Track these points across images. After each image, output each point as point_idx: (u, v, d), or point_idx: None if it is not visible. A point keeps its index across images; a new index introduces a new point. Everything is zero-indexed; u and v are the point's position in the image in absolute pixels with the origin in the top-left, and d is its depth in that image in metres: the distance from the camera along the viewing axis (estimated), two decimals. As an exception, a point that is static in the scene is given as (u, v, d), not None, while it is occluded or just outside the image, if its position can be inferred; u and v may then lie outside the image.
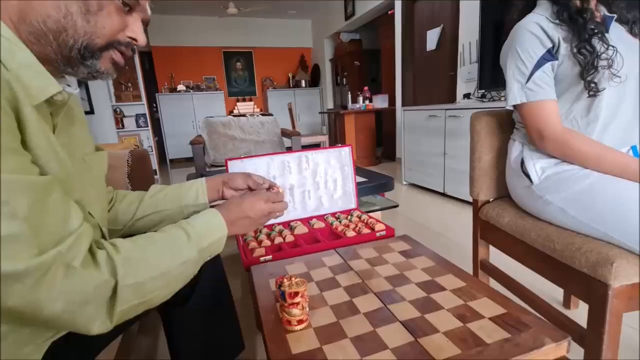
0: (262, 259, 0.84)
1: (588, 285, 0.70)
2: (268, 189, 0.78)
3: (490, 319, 0.55)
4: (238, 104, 6.23)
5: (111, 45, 0.50)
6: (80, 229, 0.42)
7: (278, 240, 0.95)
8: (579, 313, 1.17)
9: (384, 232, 0.95)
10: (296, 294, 0.55)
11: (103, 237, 0.60)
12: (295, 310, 0.55)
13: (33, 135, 0.40)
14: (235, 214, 0.65)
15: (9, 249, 0.34)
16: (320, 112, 6.53)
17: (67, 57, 0.47)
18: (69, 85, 0.53)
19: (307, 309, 0.57)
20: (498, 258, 1.05)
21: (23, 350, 0.46)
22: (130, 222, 0.74)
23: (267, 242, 0.94)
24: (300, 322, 0.55)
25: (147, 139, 4.71)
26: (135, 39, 0.52)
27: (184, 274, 0.54)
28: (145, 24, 0.55)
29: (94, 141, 0.67)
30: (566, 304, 1.21)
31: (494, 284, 0.96)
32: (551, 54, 0.81)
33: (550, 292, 1.27)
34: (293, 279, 0.57)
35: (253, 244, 0.93)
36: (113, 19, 0.48)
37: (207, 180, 0.78)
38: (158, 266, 0.49)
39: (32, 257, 0.36)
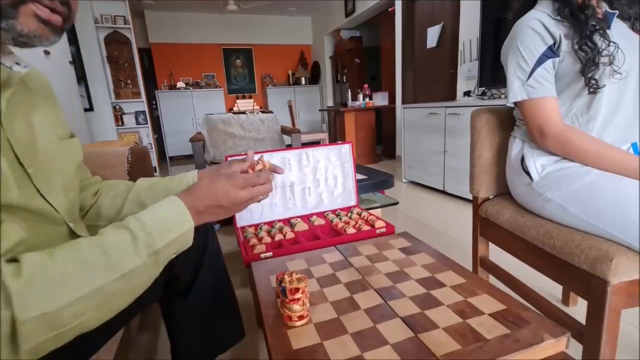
0: (262, 255, 0.84)
1: (587, 282, 0.70)
2: (250, 168, 0.66)
3: (490, 315, 0.55)
4: (238, 101, 6.23)
5: None
6: None
7: (278, 237, 0.95)
8: (578, 310, 1.17)
9: (384, 229, 0.96)
10: (297, 290, 0.55)
11: (72, 233, 0.55)
12: (296, 306, 0.55)
13: None
14: (205, 202, 0.54)
15: None
16: (320, 110, 6.52)
17: None
18: (17, 64, 0.47)
19: (308, 305, 0.57)
20: (497, 255, 1.05)
21: None
22: (116, 220, 0.67)
23: (267, 239, 0.94)
24: (300, 317, 0.56)
25: (146, 136, 4.70)
26: None
27: (131, 285, 0.45)
28: None
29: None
30: (565, 301, 1.21)
31: (493, 281, 0.96)
32: (552, 51, 0.81)
33: (550, 289, 1.27)
34: (294, 275, 0.57)
35: (253, 240, 0.93)
36: None
37: (200, 173, 0.73)
38: (81, 285, 0.39)
39: None
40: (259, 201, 0.64)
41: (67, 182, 0.55)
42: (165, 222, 0.49)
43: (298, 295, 0.55)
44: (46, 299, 0.37)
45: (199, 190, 0.55)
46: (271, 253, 0.85)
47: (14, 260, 0.37)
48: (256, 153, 1.06)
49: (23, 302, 0.35)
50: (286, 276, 0.57)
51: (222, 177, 0.58)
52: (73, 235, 0.55)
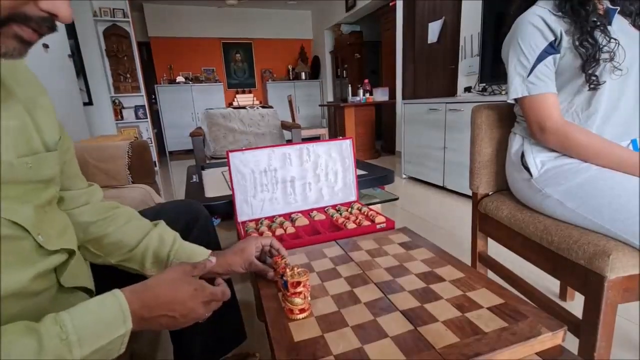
0: (263, 249, 0.84)
1: (584, 277, 0.71)
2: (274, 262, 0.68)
3: (488, 308, 0.56)
4: (237, 96, 6.20)
5: (12, 20, 0.36)
6: None
7: (279, 231, 0.96)
8: (575, 305, 1.19)
9: (384, 225, 0.96)
10: (298, 283, 0.56)
11: (39, 246, 0.46)
12: (298, 300, 0.56)
13: None
14: (156, 310, 0.47)
15: None
16: (320, 105, 6.50)
17: None
18: None
19: (309, 298, 0.58)
20: (496, 250, 1.06)
21: None
22: (107, 255, 0.63)
23: (268, 234, 0.94)
24: (302, 311, 0.56)
25: (146, 130, 4.70)
26: (55, 14, 0.38)
27: None
28: None
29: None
30: (562, 296, 1.23)
31: (491, 275, 0.97)
32: (553, 47, 0.81)
33: (547, 284, 1.29)
34: (295, 269, 0.58)
35: (254, 235, 0.94)
36: None
37: (217, 257, 0.66)
38: None
39: None
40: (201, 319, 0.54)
41: (29, 192, 0.47)
42: (93, 326, 0.40)
43: (299, 289, 0.56)
44: None
45: (153, 295, 0.47)
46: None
47: None
48: (258, 148, 1.07)
49: None
50: (288, 270, 0.57)
51: (187, 284, 0.50)
52: (42, 249, 0.47)
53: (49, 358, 0.35)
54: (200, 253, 0.69)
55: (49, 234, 0.49)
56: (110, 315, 0.42)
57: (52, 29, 0.40)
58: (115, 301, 0.43)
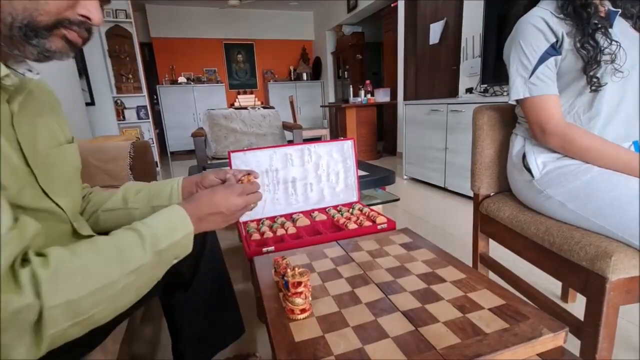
0: (264, 250, 0.85)
1: (586, 279, 0.71)
2: (240, 180, 0.71)
3: (489, 309, 0.56)
4: (239, 96, 6.19)
5: (60, 24, 0.44)
6: (5, 238, 0.35)
7: (280, 232, 0.96)
8: (577, 306, 1.18)
9: (385, 225, 0.96)
10: (299, 283, 0.56)
11: (75, 232, 0.58)
12: (298, 300, 0.56)
13: None
14: (205, 209, 0.57)
15: None
16: (321, 106, 6.51)
17: (8, 37, 0.41)
18: (29, 70, 0.49)
19: (310, 298, 0.58)
20: (497, 252, 1.06)
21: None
22: (96, 212, 0.70)
23: (269, 234, 0.95)
24: (303, 311, 0.56)
25: (147, 131, 4.70)
26: (88, 18, 0.46)
27: (138, 282, 0.47)
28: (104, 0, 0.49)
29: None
30: (564, 297, 1.22)
31: (493, 277, 0.97)
32: (555, 49, 0.81)
33: (549, 285, 1.28)
34: (296, 269, 0.58)
35: (255, 235, 0.94)
36: None
37: (184, 180, 0.75)
38: (99, 278, 0.42)
39: None
40: (250, 209, 0.67)
41: (67, 184, 0.58)
42: (168, 226, 0.52)
43: (300, 289, 0.56)
44: (70, 288, 0.39)
45: (200, 199, 0.59)
46: (273, 247, 0.86)
47: (39, 254, 0.39)
48: (259, 148, 1.07)
49: (50, 289, 0.37)
50: (289, 270, 0.58)
51: (220, 187, 0.63)
52: (76, 233, 0.58)
53: (147, 246, 0.47)
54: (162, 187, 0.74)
55: (81, 221, 0.60)
56: (177, 219, 0.53)
57: (90, 32, 0.48)
58: (177, 209, 0.54)
